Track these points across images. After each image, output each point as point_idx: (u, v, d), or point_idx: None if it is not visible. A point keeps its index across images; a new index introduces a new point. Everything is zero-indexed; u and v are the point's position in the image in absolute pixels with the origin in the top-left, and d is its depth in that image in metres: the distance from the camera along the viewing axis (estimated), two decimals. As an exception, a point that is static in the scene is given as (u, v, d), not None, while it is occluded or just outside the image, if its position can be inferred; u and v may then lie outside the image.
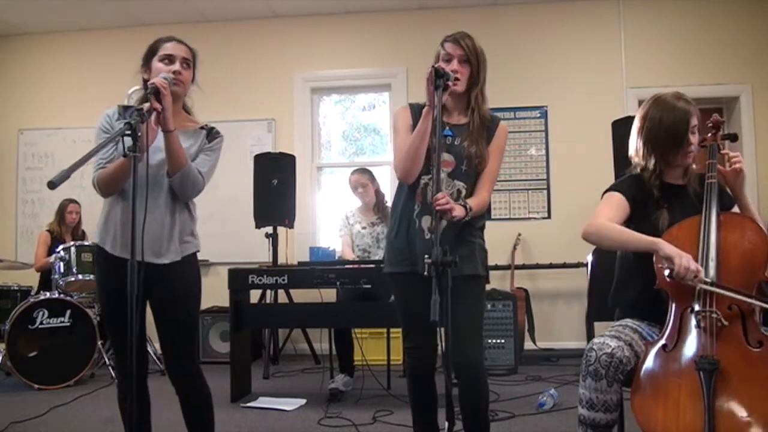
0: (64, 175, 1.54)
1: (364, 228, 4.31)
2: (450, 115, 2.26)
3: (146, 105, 1.94)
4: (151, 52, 2.20)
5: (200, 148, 2.24)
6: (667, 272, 1.88)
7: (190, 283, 2.24)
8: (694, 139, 2.10)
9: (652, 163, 2.13)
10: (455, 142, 2.23)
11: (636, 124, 2.19)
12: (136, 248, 1.74)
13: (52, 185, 1.54)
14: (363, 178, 4.31)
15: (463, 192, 2.23)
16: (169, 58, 2.16)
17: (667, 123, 2.08)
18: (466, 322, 2.16)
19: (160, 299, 2.19)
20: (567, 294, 5.36)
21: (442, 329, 1.85)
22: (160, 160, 2.11)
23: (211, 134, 2.29)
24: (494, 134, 2.27)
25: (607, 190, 2.20)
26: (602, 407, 1.89)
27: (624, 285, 2.20)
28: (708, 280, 1.87)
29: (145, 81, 2.17)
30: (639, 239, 1.99)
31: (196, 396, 2.24)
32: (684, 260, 1.85)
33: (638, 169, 2.17)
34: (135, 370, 1.77)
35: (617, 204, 2.13)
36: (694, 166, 2.18)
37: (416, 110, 2.27)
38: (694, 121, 2.09)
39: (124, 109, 2.15)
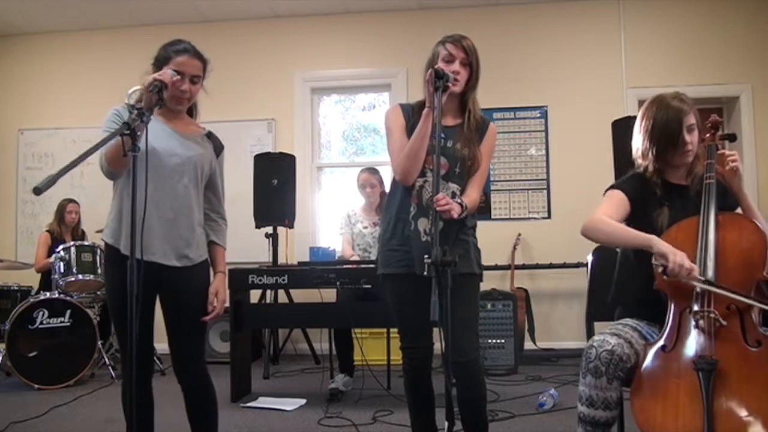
0: (51, 181, 1.47)
1: (365, 228, 4.31)
2: (443, 117, 2.25)
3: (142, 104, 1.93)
4: (165, 60, 2.16)
5: (213, 164, 2.29)
6: (660, 269, 1.89)
7: (204, 283, 2.27)
8: (690, 138, 2.09)
9: (651, 162, 2.13)
10: (448, 144, 2.23)
11: (636, 125, 2.20)
12: (135, 248, 1.75)
13: (38, 191, 1.47)
14: (373, 178, 4.31)
15: (458, 194, 2.24)
16: (180, 75, 2.12)
17: (660, 122, 2.08)
18: (463, 321, 2.17)
19: (174, 299, 2.21)
20: (567, 294, 5.36)
21: (440, 329, 1.85)
22: (175, 164, 2.14)
23: (217, 146, 2.34)
24: (485, 135, 2.30)
25: (609, 188, 2.21)
26: (602, 404, 1.89)
27: (624, 285, 2.20)
28: (702, 278, 1.87)
29: None
30: (635, 236, 1.99)
31: (204, 394, 2.27)
32: (678, 257, 1.85)
33: (641, 169, 2.18)
34: (134, 369, 1.77)
35: (618, 202, 2.13)
36: (699, 166, 2.16)
37: (407, 110, 2.29)
38: (690, 120, 2.08)
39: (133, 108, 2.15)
